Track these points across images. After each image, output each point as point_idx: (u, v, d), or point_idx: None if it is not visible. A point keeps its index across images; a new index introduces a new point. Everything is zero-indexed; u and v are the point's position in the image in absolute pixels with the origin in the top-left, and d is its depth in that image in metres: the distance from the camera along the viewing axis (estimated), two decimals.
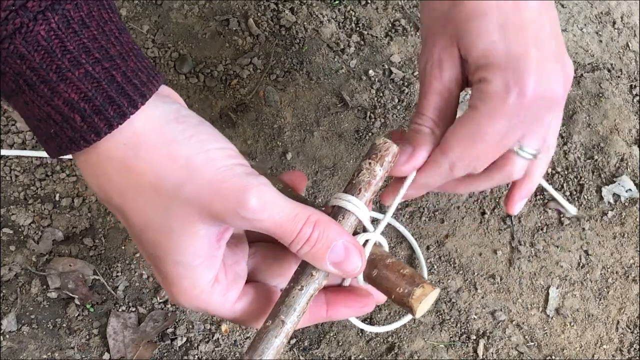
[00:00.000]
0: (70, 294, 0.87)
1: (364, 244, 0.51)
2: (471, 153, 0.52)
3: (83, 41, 0.41)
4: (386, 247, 0.53)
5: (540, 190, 1.01)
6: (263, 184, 0.44)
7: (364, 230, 0.52)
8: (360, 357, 0.91)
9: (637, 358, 0.95)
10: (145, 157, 0.43)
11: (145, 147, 0.43)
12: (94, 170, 0.44)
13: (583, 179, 1.03)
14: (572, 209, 0.98)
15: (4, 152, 0.91)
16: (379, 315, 0.93)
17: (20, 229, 0.90)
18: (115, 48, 0.42)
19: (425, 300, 0.49)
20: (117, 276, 0.90)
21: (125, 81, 0.42)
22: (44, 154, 0.92)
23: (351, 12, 1.06)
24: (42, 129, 0.43)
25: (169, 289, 0.46)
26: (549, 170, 1.03)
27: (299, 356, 0.90)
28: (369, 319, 0.92)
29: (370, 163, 0.52)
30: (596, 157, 1.04)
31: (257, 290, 0.51)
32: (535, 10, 0.50)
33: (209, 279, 0.46)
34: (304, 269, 0.50)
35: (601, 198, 1.02)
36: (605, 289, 0.98)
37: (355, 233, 0.52)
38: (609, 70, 1.11)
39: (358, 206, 0.51)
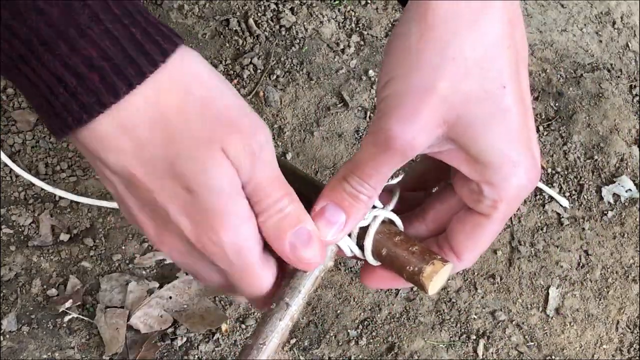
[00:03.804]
0: (69, 297, 0.87)
1: (373, 220, 0.50)
2: (483, 251, 0.50)
3: None
4: (399, 225, 0.51)
5: (539, 190, 1.01)
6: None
7: (373, 207, 0.50)
8: (360, 357, 0.91)
9: (637, 358, 0.95)
10: (170, 87, 0.42)
11: (170, 81, 0.42)
12: (113, 127, 0.42)
13: (583, 179, 1.03)
14: (564, 202, 0.98)
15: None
16: (379, 315, 0.93)
17: (20, 229, 0.90)
18: (133, 3, 0.42)
19: (437, 277, 0.48)
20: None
21: (145, 39, 0.41)
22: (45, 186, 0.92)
23: (351, 12, 1.06)
24: (47, 103, 0.41)
25: (211, 225, 0.43)
26: (549, 170, 1.03)
27: (299, 356, 0.90)
28: (370, 318, 0.92)
29: None
30: (596, 157, 1.04)
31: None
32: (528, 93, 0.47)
33: (246, 212, 0.44)
34: None
35: (601, 198, 1.02)
36: (605, 289, 0.98)
37: None
38: (608, 70, 1.11)
39: None
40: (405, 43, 0.45)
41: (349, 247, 0.51)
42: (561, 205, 1.00)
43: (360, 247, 0.51)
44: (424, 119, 0.44)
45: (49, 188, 0.91)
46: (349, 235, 0.51)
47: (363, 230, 0.50)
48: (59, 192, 0.91)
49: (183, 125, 0.43)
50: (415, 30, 0.44)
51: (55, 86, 0.40)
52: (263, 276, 0.47)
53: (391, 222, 0.51)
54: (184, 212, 0.44)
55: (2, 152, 0.90)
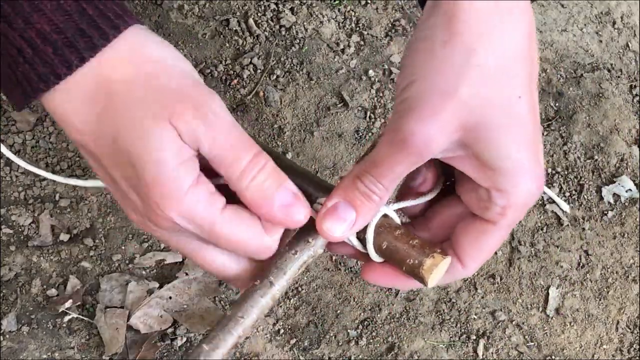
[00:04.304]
0: (69, 297, 0.87)
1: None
2: (486, 259, 0.51)
3: None
4: (397, 220, 0.52)
5: None
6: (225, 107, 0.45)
7: None
8: (360, 357, 0.91)
9: (637, 358, 0.95)
10: (119, 62, 0.43)
11: (119, 56, 0.44)
12: (69, 98, 0.44)
13: (583, 179, 1.03)
14: (565, 206, 0.98)
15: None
16: (379, 315, 0.93)
17: (20, 229, 0.90)
18: None
19: (436, 270, 0.48)
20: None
21: (97, 14, 0.43)
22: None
23: (351, 12, 1.06)
24: (10, 72, 0.43)
25: (154, 200, 0.43)
26: (549, 171, 1.03)
27: (299, 356, 0.90)
28: (370, 318, 0.92)
29: None
30: (596, 157, 1.04)
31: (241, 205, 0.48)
32: (536, 110, 0.48)
33: (192, 180, 0.44)
34: (301, 234, 0.50)
35: (601, 198, 1.02)
36: (605, 289, 0.98)
37: None
38: (609, 70, 1.11)
39: None
40: (429, 47, 0.46)
41: (350, 239, 0.51)
42: (561, 209, 1.00)
43: (361, 240, 0.51)
44: (443, 121, 0.45)
45: (59, 179, 0.91)
46: None
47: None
48: (68, 181, 0.91)
49: (129, 99, 0.43)
50: (440, 35, 0.45)
51: (16, 57, 0.42)
52: (238, 227, 0.46)
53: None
54: (133, 189, 0.44)
55: (4, 147, 0.90)
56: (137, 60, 0.44)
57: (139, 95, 0.43)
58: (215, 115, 0.44)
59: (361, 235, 0.51)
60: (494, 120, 0.45)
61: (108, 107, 0.43)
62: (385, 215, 0.51)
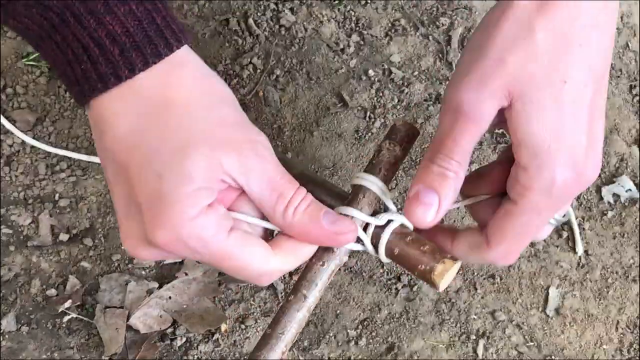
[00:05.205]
0: (68, 297, 0.87)
1: (387, 224, 0.52)
2: (516, 246, 0.52)
3: None
4: (410, 227, 0.54)
5: None
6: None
7: (385, 209, 0.53)
8: (360, 357, 0.91)
9: (637, 358, 0.95)
10: (183, 81, 0.46)
11: (183, 74, 0.46)
12: (120, 104, 0.45)
13: None
14: (580, 249, 0.99)
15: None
16: (378, 315, 0.93)
17: (20, 229, 0.90)
18: None
19: (447, 275, 0.50)
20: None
21: (164, 25, 0.46)
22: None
23: (351, 12, 1.06)
24: (71, 70, 0.45)
25: (167, 213, 0.45)
26: None
27: (298, 356, 0.90)
28: (370, 318, 0.92)
29: (390, 144, 0.54)
30: None
31: (247, 230, 0.50)
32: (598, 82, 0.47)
33: (206, 203, 0.46)
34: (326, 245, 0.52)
35: (601, 198, 1.02)
36: (605, 289, 0.98)
37: (375, 212, 0.53)
38: None
39: (378, 185, 0.53)
40: (485, 22, 0.48)
41: (366, 244, 0.53)
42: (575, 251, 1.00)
43: (375, 246, 0.53)
44: (492, 87, 0.46)
45: (74, 155, 0.91)
46: (364, 231, 0.53)
47: (378, 231, 0.53)
48: (79, 157, 0.91)
49: (182, 121, 0.45)
50: (499, 8, 0.47)
51: (80, 55, 0.44)
52: (245, 257, 0.48)
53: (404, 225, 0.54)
54: (150, 202, 0.45)
55: (16, 129, 0.90)
56: (195, 84, 0.46)
57: (192, 120, 0.45)
58: (266, 151, 0.48)
59: (374, 241, 0.53)
60: (534, 96, 0.46)
61: (159, 121, 0.45)
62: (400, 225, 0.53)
